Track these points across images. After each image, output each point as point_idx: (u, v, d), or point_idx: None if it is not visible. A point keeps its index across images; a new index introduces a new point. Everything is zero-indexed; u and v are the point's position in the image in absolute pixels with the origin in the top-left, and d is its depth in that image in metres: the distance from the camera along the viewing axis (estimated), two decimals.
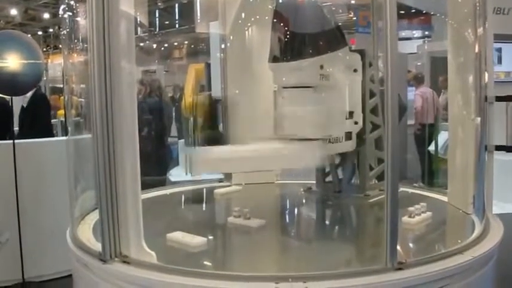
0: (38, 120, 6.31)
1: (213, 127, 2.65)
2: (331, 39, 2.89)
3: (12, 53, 4.67)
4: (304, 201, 3.56)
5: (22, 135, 5.60)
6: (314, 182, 3.55)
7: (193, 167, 2.61)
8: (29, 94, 5.99)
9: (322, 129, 2.82)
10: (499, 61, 6.93)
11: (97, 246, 2.32)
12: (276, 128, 2.85)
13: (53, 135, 6.94)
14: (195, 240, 2.46)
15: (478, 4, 2.83)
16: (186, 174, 2.68)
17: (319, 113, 2.81)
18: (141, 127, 2.37)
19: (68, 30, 3.19)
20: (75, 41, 3.02)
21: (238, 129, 3.74)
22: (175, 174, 7.48)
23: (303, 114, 2.80)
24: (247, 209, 2.80)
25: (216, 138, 2.66)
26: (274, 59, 2.84)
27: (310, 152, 2.77)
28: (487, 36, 2.88)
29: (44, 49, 24.03)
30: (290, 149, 2.76)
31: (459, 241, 2.43)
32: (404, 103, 8.34)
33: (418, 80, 9.11)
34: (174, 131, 8.93)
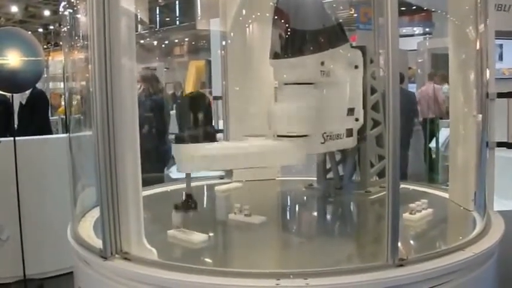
0: (36, 117, 6.31)
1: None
2: (332, 35, 2.89)
3: (12, 50, 4.67)
4: (305, 197, 3.56)
5: (20, 132, 5.60)
6: (315, 178, 3.55)
7: (182, 165, 2.60)
8: (28, 91, 5.99)
9: (314, 125, 2.81)
10: (500, 58, 6.93)
11: (98, 243, 2.32)
12: (269, 124, 2.84)
13: (51, 132, 6.94)
14: (196, 237, 2.47)
15: (479, 1, 2.82)
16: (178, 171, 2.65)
17: (309, 109, 2.80)
18: (140, 124, 2.37)
19: (68, 27, 3.19)
20: (76, 38, 3.02)
21: (238, 126, 3.75)
22: (176, 171, 7.49)
23: (293, 111, 2.79)
24: (247, 206, 2.80)
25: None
26: (275, 56, 2.83)
27: (299, 149, 2.77)
28: (488, 33, 2.87)
29: (45, 46, 24.04)
30: (279, 145, 2.76)
31: (460, 238, 2.43)
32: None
33: (428, 77, 9.27)
34: (172, 128, 8.93)
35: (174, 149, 2.59)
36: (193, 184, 3.74)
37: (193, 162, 2.58)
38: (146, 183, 3.00)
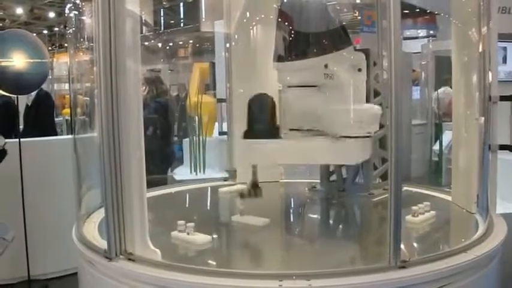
0: (41, 119, 6.34)
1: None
2: (335, 38, 2.90)
3: (17, 52, 4.70)
4: (308, 200, 3.57)
5: (26, 133, 5.64)
6: (318, 181, 3.56)
7: (243, 158, 2.77)
8: (34, 93, 6.02)
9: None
10: (504, 60, 6.90)
11: (102, 244, 2.33)
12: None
13: (56, 134, 6.97)
14: (200, 238, 2.48)
15: (482, 3, 2.83)
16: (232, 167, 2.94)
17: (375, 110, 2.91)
18: (145, 126, 2.39)
19: (73, 29, 3.21)
20: (81, 40, 3.04)
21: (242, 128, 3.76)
22: (180, 173, 7.52)
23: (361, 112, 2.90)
24: (250, 208, 2.81)
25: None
26: (279, 58, 2.85)
27: (358, 148, 2.87)
28: (491, 35, 2.88)
29: (49, 48, 24.10)
30: (338, 145, 2.84)
31: (462, 240, 2.44)
32: None
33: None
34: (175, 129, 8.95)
35: (241, 143, 2.83)
36: (197, 186, 3.78)
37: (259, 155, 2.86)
38: (150, 184, 3.03)
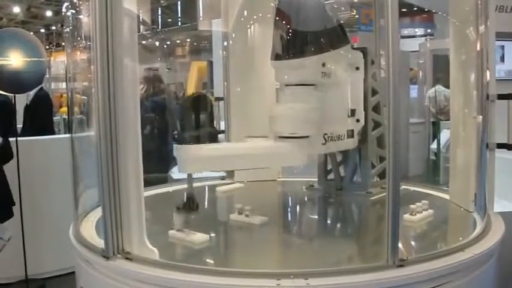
0: (38, 119, 6.31)
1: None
2: (333, 37, 2.90)
3: (14, 50, 4.68)
4: (306, 198, 3.56)
5: (25, 132, 5.62)
6: (316, 179, 3.56)
7: (184, 165, 2.63)
8: (33, 92, 6.00)
9: (316, 126, 2.81)
10: (502, 59, 6.90)
11: (100, 243, 2.33)
12: (270, 125, 2.85)
13: (54, 133, 6.94)
14: (197, 237, 2.47)
15: (479, 2, 2.83)
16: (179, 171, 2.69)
17: (311, 111, 2.81)
18: (143, 125, 2.38)
19: (71, 28, 3.20)
20: (79, 38, 3.03)
21: (239, 127, 3.76)
22: (178, 172, 7.50)
23: (295, 112, 2.79)
24: (248, 207, 2.81)
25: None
26: (276, 57, 2.84)
27: (301, 150, 2.78)
28: (488, 34, 2.88)
29: (47, 47, 24.04)
30: (282, 147, 2.77)
31: (460, 239, 2.44)
32: None
33: None
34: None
35: (176, 150, 2.61)
36: (195, 184, 3.76)
37: (194, 163, 2.59)
38: (149, 183, 3.02)
